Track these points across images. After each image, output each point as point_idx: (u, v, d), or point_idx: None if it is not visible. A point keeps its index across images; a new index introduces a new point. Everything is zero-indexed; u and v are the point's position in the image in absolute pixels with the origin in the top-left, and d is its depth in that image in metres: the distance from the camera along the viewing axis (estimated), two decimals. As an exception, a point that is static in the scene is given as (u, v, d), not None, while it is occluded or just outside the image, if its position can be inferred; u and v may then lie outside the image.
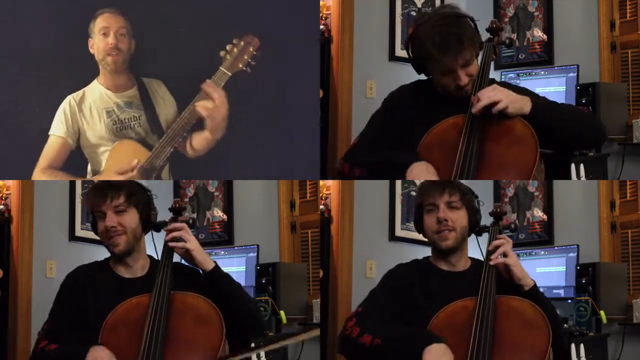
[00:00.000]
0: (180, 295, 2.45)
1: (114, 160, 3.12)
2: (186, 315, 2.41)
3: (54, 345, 2.39)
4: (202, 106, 3.03)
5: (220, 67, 3.05)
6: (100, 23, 3.17)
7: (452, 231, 2.46)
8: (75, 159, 3.16)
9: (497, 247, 2.46)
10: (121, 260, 2.54)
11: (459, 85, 2.60)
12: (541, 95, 2.72)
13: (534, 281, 2.43)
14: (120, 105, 3.20)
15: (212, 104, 3.02)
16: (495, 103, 2.55)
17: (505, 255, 2.44)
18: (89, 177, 3.18)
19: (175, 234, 2.52)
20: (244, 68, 3.06)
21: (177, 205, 2.59)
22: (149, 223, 2.55)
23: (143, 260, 2.56)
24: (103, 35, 3.16)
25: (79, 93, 3.22)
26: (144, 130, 3.17)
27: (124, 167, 3.05)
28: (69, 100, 3.21)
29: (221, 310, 2.41)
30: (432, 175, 2.51)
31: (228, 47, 3.06)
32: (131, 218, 2.51)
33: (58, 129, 3.19)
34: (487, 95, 2.56)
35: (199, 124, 3.08)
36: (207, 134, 3.07)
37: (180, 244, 2.50)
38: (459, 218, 2.47)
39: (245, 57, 3.06)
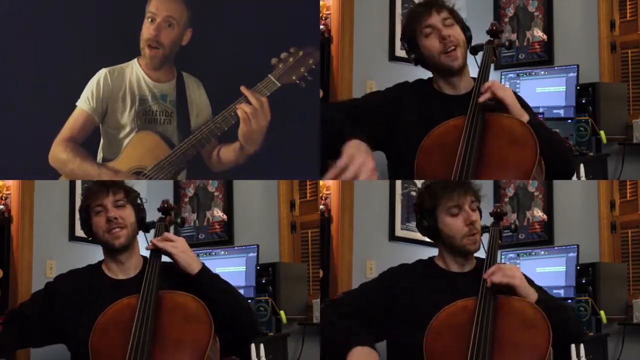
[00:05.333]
0: (169, 295, 2.46)
1: (133, 151, 2.92)
2: (175, 313, 2.42)
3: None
4: (241, 108, 2.79)
5: (270, 76, 2.80)
6: (151, 5, 2.93)
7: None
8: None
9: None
10: (116, 258, 2.55)
11: (443, 38, 2.63)
12: (541, 96, 2.73)
13: None
14: (156, 95, 2.97)
15: (252, 108, 2.77)
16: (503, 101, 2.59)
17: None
18: (99, 157, 2.98)
19: (156, 245, 2.53)
20: (298, 81, 2.82)
21: (166, 205, 2.65)
22: (143, 222, 2.60)
23: (136, 259, 2.59)
24: (149, 22, 2.92)
25: (116, 69, 3.00)
26: (172, 128, 2.97)
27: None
28: (104, 75, 2.98)
29: (213, 311, 2.41)
30: (365, 154, 2.39)
31: (283, 55, 2.82)
32: (130, 213, 2.55)
33: (86, 103, 2.96)
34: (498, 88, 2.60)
35: (230, 135, 2.88)
36: (237, 146, 2.86)
37: (161, 244, 2.52)
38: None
39: (302, 70, 2.81)
